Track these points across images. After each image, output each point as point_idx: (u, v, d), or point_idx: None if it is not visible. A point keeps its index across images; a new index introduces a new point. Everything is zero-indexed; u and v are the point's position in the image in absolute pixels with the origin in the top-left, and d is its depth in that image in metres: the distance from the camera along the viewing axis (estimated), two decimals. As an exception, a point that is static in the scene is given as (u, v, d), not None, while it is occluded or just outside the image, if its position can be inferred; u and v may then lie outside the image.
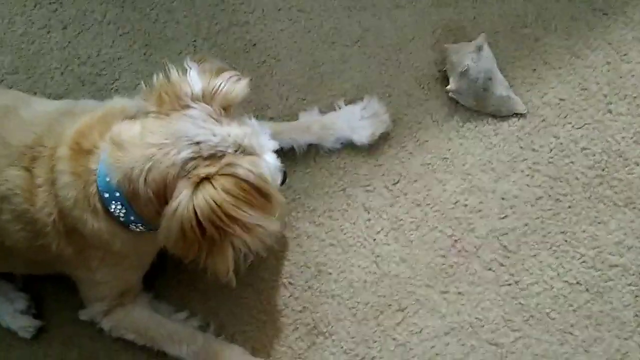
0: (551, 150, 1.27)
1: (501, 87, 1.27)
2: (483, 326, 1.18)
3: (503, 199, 1.25)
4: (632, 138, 1.27)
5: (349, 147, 1.30)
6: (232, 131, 0.97)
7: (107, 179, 0.97)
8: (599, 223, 1.22)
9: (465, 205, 1.25)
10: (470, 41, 1.31)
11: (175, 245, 0.95)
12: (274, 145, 1.05)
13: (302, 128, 1.28)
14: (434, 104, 1.32)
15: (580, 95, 1.30)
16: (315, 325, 1.20)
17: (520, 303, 1.19)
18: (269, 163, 1.01)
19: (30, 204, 1.02)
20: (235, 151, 0.95)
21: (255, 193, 0.95)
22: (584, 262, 1.20)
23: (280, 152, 1.26)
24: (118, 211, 0.99)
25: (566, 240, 1.22)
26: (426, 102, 1.32)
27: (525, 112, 1.29)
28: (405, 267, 1.23)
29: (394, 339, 1.19)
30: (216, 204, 0.91)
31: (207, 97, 0.98)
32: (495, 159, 1.28)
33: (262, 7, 1.41)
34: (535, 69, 1.33)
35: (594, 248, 1.21)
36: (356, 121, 1.28)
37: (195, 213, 0.91)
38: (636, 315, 1.17)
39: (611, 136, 1.28)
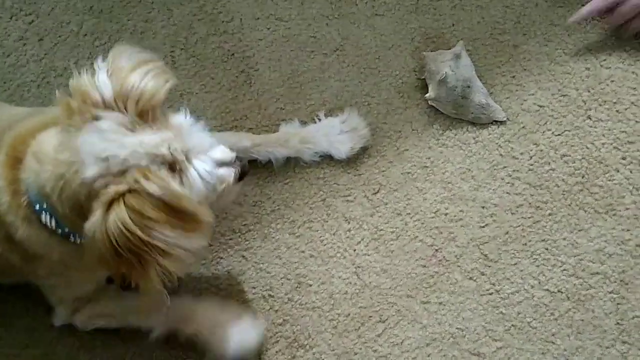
0: (531, 157, 1.27)
1: (480, 95, 1.27)
2: (464, 336, 1.17)
3: (483, 207, 1.24)
4: (612, 144, 1.27)
5: (329, 157, 1.29)
6: (147, 139, 0.87)
7: (35, 191, 0.92)
8: (579, 230, 1.22)
9: (446, 214, 1.24)
10: (449, 49, 1.31)
11: (100, 265, 0.89)
12: (210, 143, 0.94)
13: (280, 141, 1.25)
14: (413, 112, 1.31)
15: (559, 101, 1.30)
16: (296, 338, 1.19)
17: (501, 312, 1.18)
18: (200, 169, 0.90)
19: None
20: (151, 163, 0.86)
21: (170, 210, 0.85)
22: (564, 270, 1.20)
23: (259, 164, 1.27)
24: (49, 223, 0.93)
25: (547, 249, 1.21)
26: (406, 111, 1.32)
27: (505, 119, 1.28)
28: (386, 277, 1.22)
29: (375, 350, 1.18)
30: (126, 227, 0.83)
31: (120, 102, 0.87)
32: (476, 167, 1.27)
33: (240, 17, 1.40)
34: (514, 76, 1.32)
35: (574, 256, 1.20)
36: (335, 135, 1.26)
37: (107, 237, 0.83)
38: (618, 324, 1.16)
39: (591, 142, 1.27)
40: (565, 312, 1.17)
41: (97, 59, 0.91)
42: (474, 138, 1.29)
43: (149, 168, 0.86)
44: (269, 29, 1.39)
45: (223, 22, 1.40)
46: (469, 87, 1.26)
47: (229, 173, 0.97)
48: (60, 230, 0.95)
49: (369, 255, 1.23)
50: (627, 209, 1.22)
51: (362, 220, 1.25)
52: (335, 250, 1.24)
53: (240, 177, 0.99)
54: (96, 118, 0.87)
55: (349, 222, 1.25)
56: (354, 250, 1.24)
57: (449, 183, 1.26)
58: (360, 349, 1.18)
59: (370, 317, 1.20)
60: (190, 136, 0.92)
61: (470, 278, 1.21)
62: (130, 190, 0.84)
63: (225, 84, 1.36)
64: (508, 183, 1.25)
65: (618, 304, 1.17)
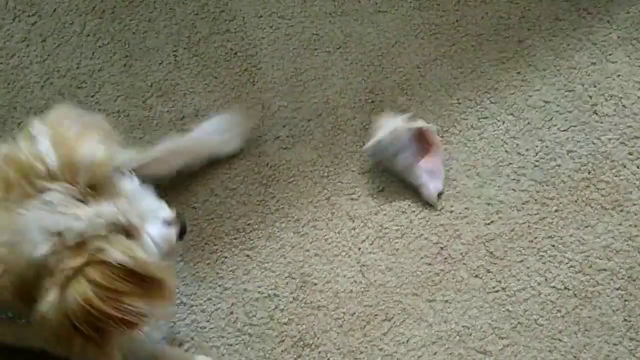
0: (537, 153, 1.26)
1: (414, 175, 1.23)
2: (471, 334, 1.17)
3: (489, 204, 1.23)
4: (618, 139, 1.25)
5: (332, 155, 1.28)
6: (104, 210, 0.82)
7: None
8: (586, 227, 1.21)
9: (451, 212, 1.24)
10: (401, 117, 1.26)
11: (54, 348, 0.85)
12: (157, 205, 0.94)
13: (171, 154, 1.21)
14: (417, 109, 1.30)
15: (565, 97, 1.29)
16: (301, 337, 1.19)
17: (508, 310, 1.18)
18: (153, 234, 0.89)
19: None
20: (109, 232, 0.81)
21: (134, 279, 0.81)
22: (571, 266, 1.19)
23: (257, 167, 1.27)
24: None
25: (553, 245, 1.20)
26: (409, 108, 1.31)
27: (433, 203, 1.24)
28: (391, 275, 1.21)
29: (380, 349, 1.17)
30: (88, 302, 0.77)
31: (67, 175, 0.80)
32: (480, 163, 1.26)
33: (243, 15, 1.40)
34: (519, 71, 1.31)
35: (581, 252, 1.19)
36: (214, 139, 1.25)
37: (66, 316, 0.78)
38: (625, 320, 1.15)
39: (597, 138, 1.26)
40: (572, 309, 1.16)
41: (32, 124, 0.83)
42: (478, 135, 1.28)
43: (108, 236, 0.81)
44: (271, 27, 1.39)
45: (225, 20, 1.40)
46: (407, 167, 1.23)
47: (172, 232, 0.96)
48: (3, 316, 0.90)
49: (374, 253, 1.23)
50: (634, 204, 1.21)
51: (366, 218, 1.25)
52: (340, 248, 1.23)
53: (181, 234, 0.99)
54: (41, 190, 0.80)
55: (353, 221, 1.25)
56: (359, 248, 1.23)
57: (453, 180, 1.26)
58: (366, 347, 1.18)
59: (376, 315, 1.19)
60: (140, 201, 0.90)
61: (476, 276, 1.20)
62: (89, 263, 0.79)
63: (228, 83, 1.36)
64: (514, 180, 1.24)
65: (625, 300, 1.16)
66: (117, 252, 0.80)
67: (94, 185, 0.83)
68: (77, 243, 0.79)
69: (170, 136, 1.27)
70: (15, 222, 0.79)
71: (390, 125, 1.21)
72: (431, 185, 1.22)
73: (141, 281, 0.82)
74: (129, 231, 0.85)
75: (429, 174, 1.22)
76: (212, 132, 1.26)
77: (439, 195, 1.23)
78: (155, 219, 0.92)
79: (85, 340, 0.81)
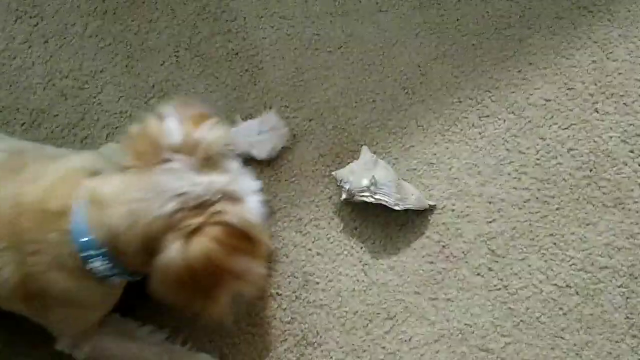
0: (538, 152, 1.26)
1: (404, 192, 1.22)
2: (473, 332, 1.17)
3: (490, 202, 1.24)
4: (619, 137, 1.26)
5: (333, 154, 1.29)
6: (215, 179, 0.96)
7: (86, 238, 0.96)
8: (587, 224, 1.21)
9: (453, 210, 1.24)
10: (358, 154, 1.26)
11: (167, 295, 0.95)
12: (256, 185, 1.05)
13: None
14: (418, 108, 1.31)
15: (566, 95, 1.29)
16: (304, 336, 1.19)
17: (509, 308, 1.18)
18: (253, 206, 1.00)
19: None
20: (220, 198, 0.95)
21: (244, 240, 0.95)
22: (573, 264, 1.19)
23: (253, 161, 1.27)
24: (100, 267, 0.97)
25: (555, 243, 1.20)
26: (411, 107, 1.31)
27: (425, 208, 1.23)
28: (393, 274, 1.21)
29: (383, 347, 1.18)
30: (209, 254, 0.91)
31: (187, 149, 0.97)
32: (482, 162, 1.26)
33: (244, 16, 1.40)
34: (520, 70, 1.31)
35: (583, 250, 1.20)
36: (254, 136, 1.28)
37: (188, 265, 0.91)
38: (627, 318, 1.15)
39: (598, 136, 1.26)
40: (574, 307, 1.17)
41: (163, 107, 0.99)
42: (479, 133, 1.28)
43: (223, 202, 0.95)
44: (272, 27, 1.39)
45: (227, 21, 1.40)
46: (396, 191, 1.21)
47: (264, 211, 1.06)
48: (107, 274, 0.99)
49: (376, 252, 1.23)
50: (635, 202, 1.21)
51: (368, 217, 1.25)
52: (342, 247, 1.24)
53: (267, 216, 1.13)
54: (166, 160, 0.95)
55: (355, 220, 1.25)
56: (361, 247, 1.24)
57: (455, 179, 1.26)
58: (369, 346, 1.18)
59: (378, 314, 1.19)
60: (243, 179, 1.03)
61: (478, 274, 1.20)
62: (209, 222, 0.93)
63: (229, 83, 1.36)
64: (515, 178, 1.25)
65: (627, 297, 1.16)
66: (233, 214, 0.94)
67: (208, 160, 0.98)
68: (196, 205, 0.94)
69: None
70: (146, 183, 0.95)
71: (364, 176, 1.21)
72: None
73: (248, 241, 0.96)
74: (234, 201, 0.97)
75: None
76: (255, 130, 1.29)
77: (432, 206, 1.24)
78: (255, 196, 1.02)
79: (200, 292, 0.95)
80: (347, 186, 1.20)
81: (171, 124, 0.97)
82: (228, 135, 1.03)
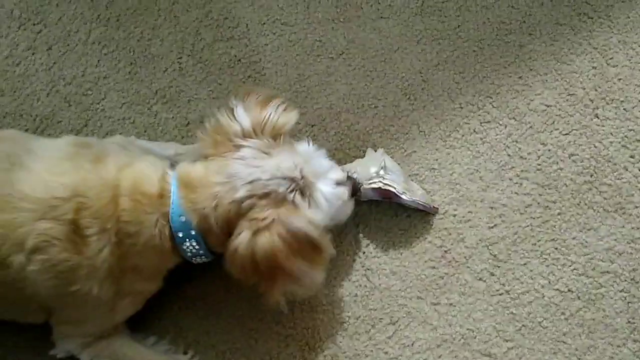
0: (539, 157, 1.27)
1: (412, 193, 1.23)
2: (475, 337, 1.18)
3: (492, 207, 1.24)
4: (620, 142, 1.26)
5: (336, 159, 1.29)
6: (282, 164, 1.03)
7: (183, 219, 1.03)
8: (589, 229, 1.22)
9: (454, 215, 1.25)
10: (363, 156, 1.27)
11: (236, 273, 1.03)
12: (329, 165, 1.09)
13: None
14: (420, 114, 1.32)
15: (566, 101, 1.30)
16: (307, 341, 1.20)
17: (512, 312, 1.18)
18: (325, 191, 1.05)
19: (73, 253, 1.01)
20: (288, 190, 1.01)
21: (307, 245, 1.01)
22: (574, 269, 1.20)
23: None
24: (191, 247, 1.05)
25: (556, 248, 1.21)
26: (412, 113, 1.32)
27: (434, 212, 1.25)
28: (396, 279, 1.22)
29: (385, 352, 1.18)
30: (271, 252, 0.98)
31: (257, 130, 1.05)
32: (483, 167, 1.27)
33: (246, 22, 1.41)
34: (520, 76, 1.32)
35: (584, 255, 1.20)
36: None
37: (252, 256, 0.99)
38: (629, 322, 1.16)
39: (599, 141, 1.27)
40: (576, 312, 1.17)
41: (231, 99, 1.08)
42: (481, 139, 1.29)
43: (288, 197, 1.01)
44: (274, 34, 1.40)
45: (229, 28, 1.41)
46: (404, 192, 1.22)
47: (344, 190, 1.10)
48: (194, 254, 1.07)
49: (378, 257, 1.24)
50: (636, 207, 1.22)
51: (370, 222, 1.26)
52: (345, 253, 1.24)
53: (353, 192, 1.14)
54: (238, 147, 1.04)
55: (357, 225, 1.26)
56: (363, 252, 1.24)
57: (457, 184, 1.27)
58: (371, 350, 1.18)
59: (381, 319, 1.20)
60: (314, 160, 1.07)
61: (480, 279, 1.21)
62: (276, 222, 0.99)
63: (232, 89, 1.37)
64: (516, 183, 1.25)
65: (629, 302, 1.17)
66: (297, 218, 1.00)
67: (277, 140, 1.05)
68: (264, 193, 1.01)
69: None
70: (224, 169, 1.03)
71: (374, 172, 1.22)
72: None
73: (311, 247, 1.02)
74: (303, 188, 1.03)
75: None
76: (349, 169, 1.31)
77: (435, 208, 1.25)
78: (326, 179, 1.06)
79: (260, 280, 1.02)
80: (354, 176, 1.20)
81: (239, 112, 1.05)
82: (296, 114, 1.08)
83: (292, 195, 1.02)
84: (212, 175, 1.03)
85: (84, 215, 1.02)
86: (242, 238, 1.00)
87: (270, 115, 1.06)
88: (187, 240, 1.04)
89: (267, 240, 0.99)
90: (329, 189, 1.06)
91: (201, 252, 1.06)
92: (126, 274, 1.06)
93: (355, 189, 1.16)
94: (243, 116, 1.06)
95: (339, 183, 1.09)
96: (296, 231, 0.99)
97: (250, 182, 1.01)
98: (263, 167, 1.02)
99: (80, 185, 1.03)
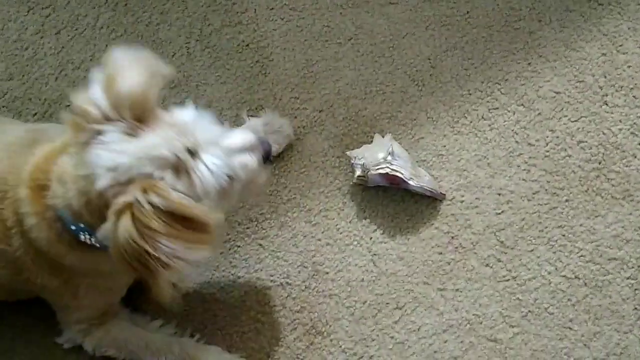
0: (547, 144, 1.26)
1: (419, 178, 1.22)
2: (481, 322, 1.18)
3: (499, 194, 1.24)
4: (629, 130, 1.26)
5: (343, 145, 1.30)
6: (146, 142, 0.87)
7: (66, 214, 0.94)
8: (596, 216, 1.21)
9: (462, 202, 1.25)
10: (370, 142, 1.27)
11: (122, 268, 0.89)
12: (220, 133, 0.93)
13: None
14: (428, 100, 1.31)
15: (575, 87, 1.29)
16: (313, 325, 1.20)
17: (518, 299, 1.19)
18: (209, 163, 0.89)
19: (6, 245, 1.00)
20: (155, 168, 0.86)
21: (176, 221, 0.85)
22: (582, 256, 1.20)
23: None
24: (89, 239, 0.95)
25: (564, 235, 1.21)
26: (420, 99, 1.32)
27: (441, 198, 1.24)
28: (402, 264, 1.22)
29: (392, 337, 1.19)
30: (131, 238, 0.83)
31: (118, 111, 0.87)
32: (491, 154, 1.27)
33: (255, 7, 1.41)
34: (530, 63, 1.32)
35: (591, 242, 1.20)
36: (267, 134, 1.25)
37: (116, 246, 0.86)
38: (635, 309, 1.16)
39: (608, 128, 1.26)
40: (582, 298, 1.17)
41: (91, 72, 0.90)
42: (489, 125, 1.29)
43: (152, 176, 0.86)
44: (283, 19, 1.40)
45: (237, 13, 1.41)
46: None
47: (251, 158, 0.96)
48: (99, 244, 0.95)
49: (385, 242, 1.24)
50: (644, 194, 1.22)
51: (377, 208, 1.26)
52: (352, 238, 1.25)
53: (266, 158, 0.99)
54: (99, 132, 0.87)
55: (364, 210, 1.26)
56: (370, 238, 1.24)
57: (464, 170, 1.26)
58: (378, 335, 1.19)
59: (387, 304, 1.20)
60: (197, 130, 0.91)
61: (487, 265, 1.21)
62: (134, 201, 0.84)
63: (240, 75, 1.37)
64: (524, 170, 1.25)
65: (636, 289, 1.17)
66: (154, 195, 0.84)
67: (143, 120, 0.88)
68: (129, 178, 0.86)
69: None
70: (86, 159, 0.88)
71: (382, 158, 1.21)
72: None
73: (183, 222, 0.86)
74: (177, 165, 0.88)
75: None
76: (259, 131, 1.25)
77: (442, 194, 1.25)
78: (215, 149, 0.91)
79: (135, 271, 0.87)
80: (361, 161, 1.20)
81: (94, 92, 0.88)
82: (164, 75, 0.91)
83: (160, 174, 0.86)
84: (77, 167, 0.89)
85: (5, 205, 0.98)
86: (105, 229, 0.86)
87: (126, 91, 0.87)
88: (81, 233, 0.95)
89: (125, 225, 0.84)
90: (217, 161, 0.90)
91: (105, 243, 0.92)
92: (57, 269, 1.01)
93: (268, 154, 1.00)
94: (99, 96, 0.87)
95: (243, 149, 0.95)
96: (156, 208, 0.84)
97: (113, 169, 0.86)
98: (126, 150, 0.86)
99: (8, 170, 0.99)
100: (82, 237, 0.95)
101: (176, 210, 0.85)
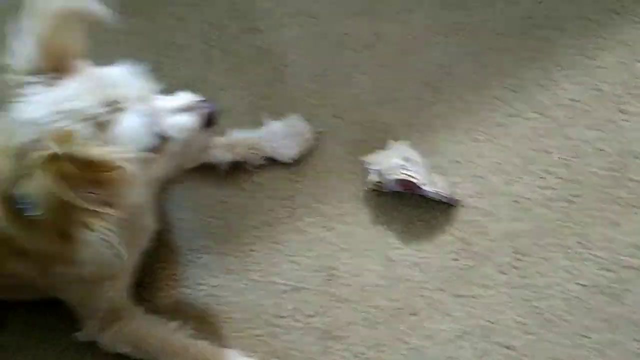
0: (563, 151, 1.26)
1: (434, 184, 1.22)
2: (496, 329, 1.17)
3: (515, 201, 1.24)
4: (646, 138, 1.26)
5: (359, 151, 1.30)
6: (66, 94, 0.84)
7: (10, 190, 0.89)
8: (613, 224, 1.21)
9: (477, 208, 1.24)
10: (385, 148, 1.27)
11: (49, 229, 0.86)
12: (147, 91, 0.91)
13: (227, 147, 1.27)
14: (444, 106, 1.32)
15: (592, 95, 1.29)
16: (327, 330, 1.20)
17: (533, 306, 1.18)
18: (129, 121, 0.87)
19: None
20: (73, 122, 0.83)
21: (93, 170, 0.82)
22: (598, 264, 1.19)
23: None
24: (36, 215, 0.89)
25: (580, 242, 1.20)
26: (436, 106, 1.32)
27: (456, 204, 1.24)
28: (417, 270, 1.22)
29: (406, 342, 1.18)
30: (50, 190, 0.81)
31: (42, 61, 0.84)
32: (507, 161, 1.27)
33: (272, 14, 1.42)
34: (546, 70, 1.32)
35: (608, 250, 1.19)
36: (280, 140, 1.28)
37: (36, 199, 0.83)
38: (652, 318, 1.15)
39: (624, 136, 1.26)
40: (598, 306, 1.16)
41: (17, 24, 0.87)
42: (505, 132, 1.29)
43: (68, 128, 0.83)
44: (300, 25, 1.41)
45: (255, 19, 1.43)
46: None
47: (189, 119, 0.94)
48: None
49: (400, 248, 1.24)
50: (661, 203, 1.21)
51: (393, 213, 1.26)
52: (367, 243, 1.25)
53: (208, 121, 0.96)
54: (22, 86, 0.86)
55: (379, 216, 1.26)
56: (385, 243, 1.24)
57: (480, 177, 1.26)
58: (392, 341, 1.18)
59: (402, 309, 1.20)
60: (126, 86, 0.89)
61: (502, 272, 1.20)
62: (54, 154, 0.81)
63: (257, 80, 1.38)
64: (540, 177, 1.25)
65: (653, 298, 1.16)
66: (70, 145, 0.81)
67: (61, 68, 0.86)
68: (48, 130, 0.82)
69: (239, 128, 1.30)
70: (8, 120, 0.86)
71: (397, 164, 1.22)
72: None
73: (98, 172, 0.83)
74: (97, 119, 0.85)
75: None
76: (279, 134, 1.28)
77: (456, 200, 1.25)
78: (141, 105, 0.88)
79: (59, 226, 0.83)
80: (376, 167, 1.20)
81: (18, 42, 0.85)
82: (91, 18, 0.90)
83: (76, 127, 0.84)
84: (1, 132, 0.87)
85: None
86: (24, 187, 0.83)
87: (48, 40, 0.85)
88: (29, 209, 0.88)
89: (42, 178, 0.81)
90: (136, 119, 0.87)
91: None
92: (25, 255, 0.97)
93: (211, 119, 0.97)
94: (24, 48, 0.85)
95: (182, 110, 0.93)
96: (72, 159, 0.81)
97: (30, 124, 0.83)
98: (41, 102, 0.84)
99: None
100: (31, 213, 0.89)
101: (91, 156, 0.82)
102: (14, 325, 1.24)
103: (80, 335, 1.16)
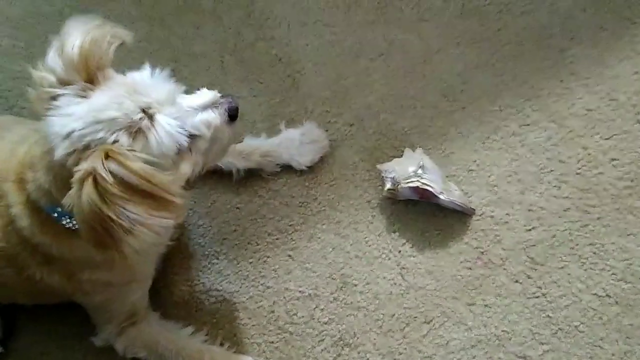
0: (579, 161, 1.26)
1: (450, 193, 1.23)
2: (510, 339, 1.17)
3: (530, 210, 1.24)
4: (662, 148, 1.25)
5: (374, 159, 1.31)
6: (94, 103, 0.86)
7: (43, 201, 0.94)
8: (628, 235, 1.20)
9: (492, 217, 1.24)
10: (401, 156, 1.27)
11: (88, 240, 0.87)
12: (174, 92, 0.92)
13: (243, 154, 1.29)
14: (459, 115, 1.32)
15: (608, 105, 1.29)
16: (341, 337, 1.21)
17: (548, 316, 1.18)
18: (164, 123, 0.88)
19: (5, 242, 1.01)
20: (108, 133, 0.85)
21: (131, 188, 0.84)
22: (613, 274, 1.18)
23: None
24: (72, 225, 0.94)
25: (595, 252, 1.20)
26: (451, 114, 1.32)
27: (471, 213, 1.24)
28: (431, 279, 1.22)
29: (419, 351, 1.18)
30: (94, 204, 0.82)
31: (72, 74, 0.87)
32: (522, 170, 1.27)
33: (288, 23, 1.43)
34: (562, 80, 1.32)
35: (623, 260, 1.19)
36: (295, 148, 1.29)
37: (79, 213, 0.84)
38: (668, 329, 1.14)
39: (640, 146, 1.26)
40: (613, 317, 1.16)
41: (51, 41, 0.91)
42: (520, 141, 1.29)
43: (108, 142, 0.85)
44: (315, 34, 1.42)
45: (270, 28, 1.44)
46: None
47: (214, 115, 0.97)
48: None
49: (414, 256, 1.24)
50: (678, 213, 1.20)
51: (407, 222, 1.26)
52: (380, 251, 1.25)
53: (232, 116, 0.99)
54: (54, 98, 0.87)
55: (394, 224, 1.27)
56: (399, 251, 1.25)
57: (494, 186, 1.26)
58: (405, 349, 1.19)
59: (415, 317, 1.20)
60: (152, 89, 0.90)
61: (517, 281, 1.20)
62: (97, 170, 0.83)
63: (272, 88, 1.39)
64: (555, 187, 1.25)
65: (669, 309, 1.15)
66: (112, 162, 0.83)
67: (92, 79, 0.88)
68: (85, 146, 0.85)
69: (256, 135, 1.32)
70: (44, 132, 0.87)
71: (412, 171, 1.22)
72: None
73: (139, 189, 0.84)
74: (131, 126, 0.87)
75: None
76: (295, 141, 1.29)
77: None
78: (170, 108, 0.90)
79: (98, 237, 0.85)
80: (392, 175, 1.21)
81: (50, 56, 0.89)
82: (119, 37, 0.93)
83: (113, 137, 0.85)
84: (38, 144, 0.90)
85: (2, 203, 0.98)
86: (67, 197, 0.84)
87: (79, 52, 0.87)
88: (63, 218, 0.93)
89: (87, 192, 0.82)
90: (171, 121, 0.89)
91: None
92: (54, 262, 1.00)
93: (232, 112, 1.00)
94: (54, 61, 0.88)
95: (204, 107, 0.96)
96: (115, 175, 0.82)
97: (67, 137, 0.85)
98: (76, 114, 0.85)
99: (3, 168, 0.99)
100: (64, 222, 0.94)
101: (136, 180, 0.84)
102: (24, 332, 1.26)
103: (97, 340, 1.17)
